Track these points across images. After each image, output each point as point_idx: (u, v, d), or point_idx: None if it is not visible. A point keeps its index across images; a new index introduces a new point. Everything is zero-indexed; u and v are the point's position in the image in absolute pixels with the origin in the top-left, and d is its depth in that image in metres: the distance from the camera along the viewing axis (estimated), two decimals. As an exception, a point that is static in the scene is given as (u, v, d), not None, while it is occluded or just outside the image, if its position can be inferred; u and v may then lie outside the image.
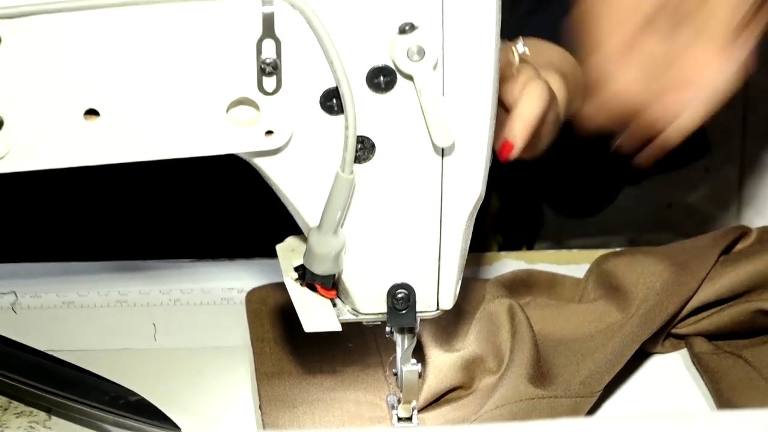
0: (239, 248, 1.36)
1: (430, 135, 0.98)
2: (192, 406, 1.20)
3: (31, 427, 1.11)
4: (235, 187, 1.15)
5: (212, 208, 1.36)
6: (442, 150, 1.00)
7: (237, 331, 1.28)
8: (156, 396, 1.17)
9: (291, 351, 1.24)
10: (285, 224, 1.10)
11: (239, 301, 1.31)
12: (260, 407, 1.18)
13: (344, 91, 0.97)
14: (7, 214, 1.43)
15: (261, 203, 1.12)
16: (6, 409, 1.14)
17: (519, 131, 1.32)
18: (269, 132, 0.98)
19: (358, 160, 0.99)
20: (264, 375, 1.21)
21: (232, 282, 1.35)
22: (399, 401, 1.17)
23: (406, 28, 0.96)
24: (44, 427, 1.12)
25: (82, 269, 1.38)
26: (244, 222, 1.18)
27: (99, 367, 1.19)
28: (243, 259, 1.40)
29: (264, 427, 1.11)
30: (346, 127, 0.99)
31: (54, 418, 1.13)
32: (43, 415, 1.13)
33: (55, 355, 1.20)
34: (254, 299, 1.30)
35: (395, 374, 1.15)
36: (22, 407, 1.14)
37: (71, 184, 1.11)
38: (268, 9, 0.95)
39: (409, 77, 0.97)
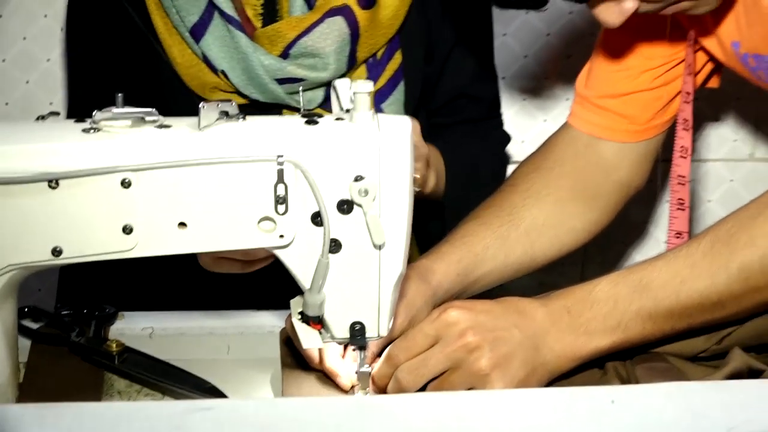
0: (280, 302, 1.27)
1: (371, 238, 1.01)
2: (244, 389, 1.21)
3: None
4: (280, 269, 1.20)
5: (267, 279, 1.31)
6: (379, 246, 1.03)
7: (275, 350, 1.26)
8: (225, 384, 1.18)
9: (301, 359, 1.22)
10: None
11: (277, 333, 1.30)
12: (282, 390, 1.19)
13: (323, 214, 1.01)
14: (148, 282, 1.43)
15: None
16: (139, 392, 1.16)
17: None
18: (281, 236, 1.02)
19: (331, 251, 1.03)
20: (286, 371, 1.20)
21: (274, 322, 1.32)
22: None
23: (357, 178, 1.00)
24: (159, 402, 1.15)
25: (190, 315, 1.36)
26: (286, 286, 1.23)
27: (195, 368, 1.19)
28: (281, 309, 1.32)
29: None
30: (324, 234, 1.02)
31: (166, 397, 1.15)
32: (159, 395, 1.16)
33: (171, 362, 1.20)
34: (284, 333, 1.27)
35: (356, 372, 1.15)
36: (148, 391, 1.17)
37: (181, 264, 1.17)
38: (279, 167, 0.99)
39: (360, 206, 1.01)
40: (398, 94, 1.53)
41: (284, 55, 1.43)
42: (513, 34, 1.85)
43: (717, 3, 1.23)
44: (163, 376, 1.17)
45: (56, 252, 1.00)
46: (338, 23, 1.42)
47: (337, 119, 1.05)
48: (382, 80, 1.51)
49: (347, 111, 1.05)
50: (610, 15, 1.18)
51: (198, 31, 1.42)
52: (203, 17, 1.42)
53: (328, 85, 1.45)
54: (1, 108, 1.86)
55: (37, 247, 1.00)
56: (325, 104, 1.48)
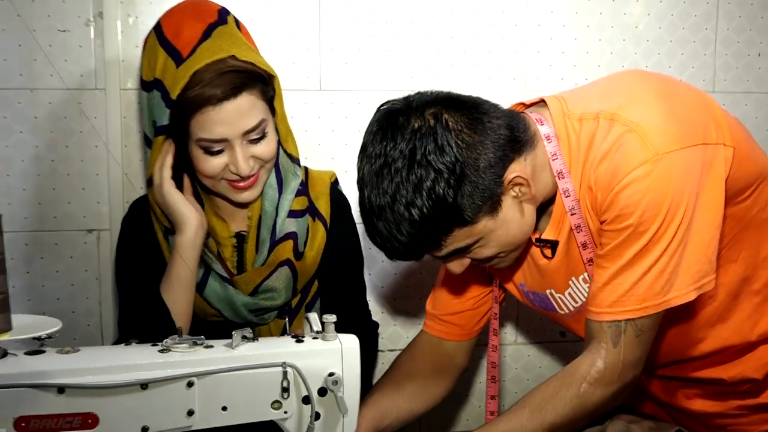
0: None
1: (339, 409, 1.13)
2: None
3: None
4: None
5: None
6: (343, 414, 1.14)
7: None
8: None
9: None
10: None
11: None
12: None
13: (311, 397, 1.12)
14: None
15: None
16: None
17: None
18: (285, 412, 1.12)
19: (315, 419, 1.13)
20: None
21: None
22: None
23: (330, 374, 1.13)
24: None
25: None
26: None
27: None
28: None
29: None
30: (311, 410, 1.12)
31: None
32: None
33: None
34: None
35: None
36: None
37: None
38: (284, 369, 1.10)
39: (332, 391, 1.13)
40: (318, 303, 1.66)
41: (254, 292, 1.53)
42: (390, 263, 1.98)
43: (512, 261, 1.41)
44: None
45: (144, 429, 1.07)
46: (285, 270, 1.53)
47: (314, 338, 1.16)
48: (309, 296, 1.63)
49: (318, 332, 1.16)
50: (456, 267, 1.35)
51: (201, 288, 1.51)
52: (203, 278, 1.51)
53: (279, 308, 1.58)
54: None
55: (131, 427, 1.07)
56: (278, 317, 1.59)
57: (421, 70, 1.92)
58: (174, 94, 1.35)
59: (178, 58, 1.35)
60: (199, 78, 1.33)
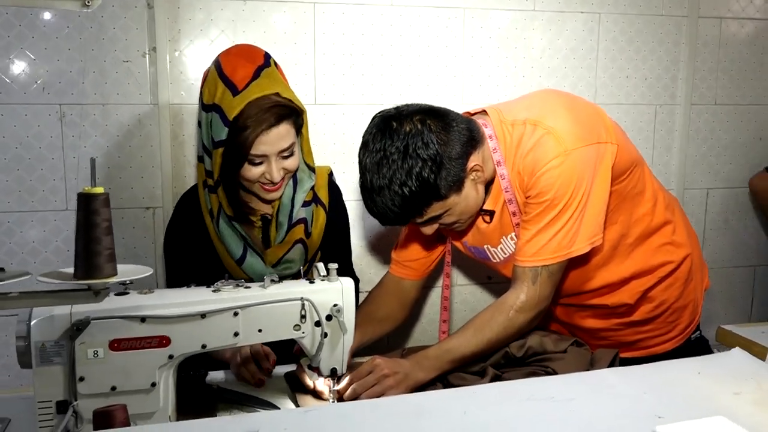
0: (285, 361, 1.34)
1: (341, 329, 1.11)
2: (278, 401, 1.20)
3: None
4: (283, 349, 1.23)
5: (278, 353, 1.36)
6: (344, 333, 1.11)
7: (285, 383, 1.27)
8: (269, 398, 1.19)
9: (301, 387, 1.21)
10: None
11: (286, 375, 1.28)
12: (297, 402, 1.17)
13: (321, 321, 1.10)
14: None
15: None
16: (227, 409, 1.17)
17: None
18: (303, 332, 1.12)
19: (323, 337, 1.11)
20: (298, 393, 1.22)
21: (283, 370, 1.30)
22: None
23: (335, 305, 1.12)
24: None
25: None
26: (285, 356, 1.29)
27: (254, 392, 1.22)
28: (286, 364, 1.33)
29: None
30: (321, 330, 1.11)
31: (244, 410, 1.16)
32: (237, 410, 1.16)
33: (240, 391, 1.22)
34: (289, 375, 1.26)
35: (330, 390, 1.18)
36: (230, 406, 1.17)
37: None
38: (301, 302, 1.08)
39: (336, 317, 1.11)
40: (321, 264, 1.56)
41: (277, 263, 1.47)
42: (365, 229, 1.94)
43: (466, 226, 1.38)
44: (242, 397, 1.23)
45: (203, 346, 1.08)
46: (300, 247, 1.48)
47: (322, 280, 1.16)
48: (317, 261, 1.52)
49: (324, 276, 1.17)
50: (428, 230, 1.34)
51: (240, 261, 1.45)
52: (243, 254, 1.45)
53: (295, 275, 1.50)
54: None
55: (194, 345, 1.08)
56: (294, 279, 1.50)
57: (388, 90, 1.92)
58: (231, 116, 1.30)
59: (235, 90, 1.31)
60: (252, 109, 1.30)
